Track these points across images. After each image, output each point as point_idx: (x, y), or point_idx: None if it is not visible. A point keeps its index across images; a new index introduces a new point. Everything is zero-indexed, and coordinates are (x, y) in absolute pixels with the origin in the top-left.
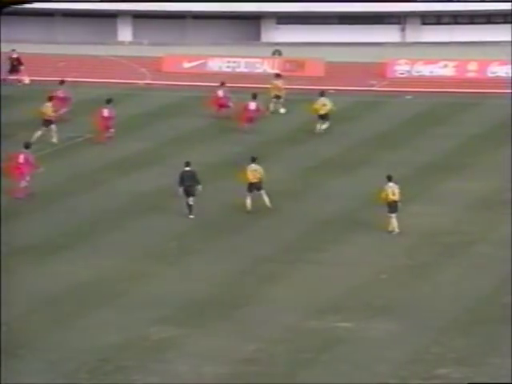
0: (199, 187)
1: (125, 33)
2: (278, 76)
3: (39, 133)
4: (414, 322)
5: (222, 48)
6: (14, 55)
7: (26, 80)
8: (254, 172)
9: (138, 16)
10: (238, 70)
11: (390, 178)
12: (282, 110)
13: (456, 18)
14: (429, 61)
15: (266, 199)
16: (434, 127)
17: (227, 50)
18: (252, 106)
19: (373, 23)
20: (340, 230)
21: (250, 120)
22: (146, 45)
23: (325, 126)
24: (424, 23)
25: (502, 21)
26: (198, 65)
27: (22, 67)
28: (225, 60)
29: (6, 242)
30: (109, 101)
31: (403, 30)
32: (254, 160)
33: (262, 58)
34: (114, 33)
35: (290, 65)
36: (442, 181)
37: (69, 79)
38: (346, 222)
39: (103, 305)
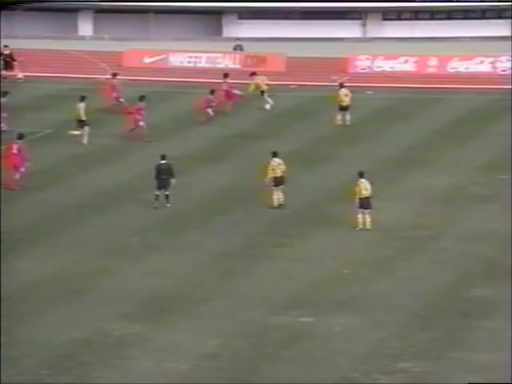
0: (173, 180)
1: (86, 27)
2: (254, 74)
3: (77, 132)
4: (375, 317)
5: (184, 43)
6: (7, 51)
7: (20, 75)
8: (278, 166)
9: (99, 11)
10: (199, 65)
11: (361, 174)
12: (268, 106)
13: (417, 14)
14: (389, 56)
15: (282, 196)
16: (395, 122)
17: (189, 45)
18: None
19: (334, 19)
20: (303, 224)
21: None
22: (107, 40)
23: (348, 117)
24: (385, 19)
25: (462, 17)
26: (159, 60)
27: (15, 63)
28: (186, 55)
29: None
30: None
31: (364, 25)
32: (275, 155)
33: (224, 53)
34: (75, 27)
35: (252, 60)
36: (404, 176)
37: (28, 74)
38: (309, 216)
39: (64, 301)
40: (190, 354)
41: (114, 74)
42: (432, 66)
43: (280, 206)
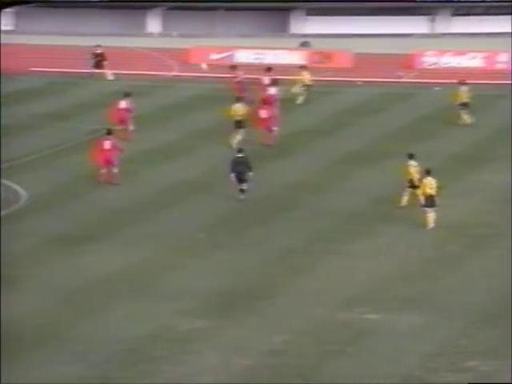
0: (250, 174)
1: (154, 24)
2: (303, 67)
3: (239, 137)
4: (441, 314)
5: (250, 40)
6: (98, 51)
7: (110, 75)
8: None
9: (168, 8)
10: (265, 61)
11: (428, 172)
12: (300, 100)
13: (487, 9)
14: (457, 52)
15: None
16: (461, 119)
17: (255, 42)
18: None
19: (402, 14)
20: (367, 222)
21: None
22: (175, 36)
23: (467, 115)
24: (454, 14)
25: None
26: (225, 56)
27: (105, 62)
28: (252, 52)
29: (37, 232)
30: (127, 94)
31: (433, 21)
32: (411, 157)
33: (290, 49)
34: (144, 24)
35: (318, 56)
36: (471, 173)
37: (96, 71)
38: (373, 214)
39: (132, 296)
40: (254, 350)
41: (269, 69)
42: (501, 61)
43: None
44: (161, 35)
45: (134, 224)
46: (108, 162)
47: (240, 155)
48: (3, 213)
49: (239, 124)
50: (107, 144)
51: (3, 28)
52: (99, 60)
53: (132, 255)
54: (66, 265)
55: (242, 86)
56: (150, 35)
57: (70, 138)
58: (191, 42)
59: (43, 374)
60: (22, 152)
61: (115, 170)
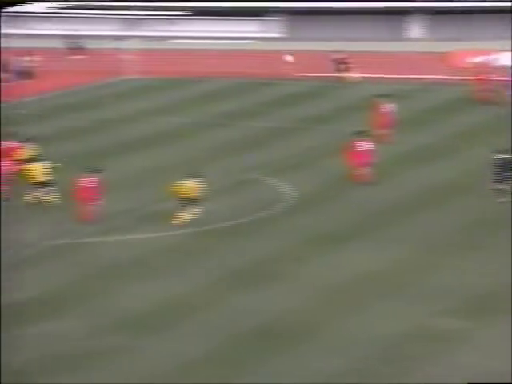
0: None
1: (415, 29)
2: None
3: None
4: None
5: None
6: (339, 56)
7: (354, 78)
8: None
9: (428, 13)
10: None
11: None
12: None
13: None
14: None
15: None
16: None
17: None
18: None
19: None
20: None
21: None
22: (435, 40)
23: None
24: None
25: None
26: (484, 59)
27: (347, 66)
28: None
29: (299, 230)
30: (388, 97)
31: None
32: None
33: None
34: (404, 29)
35: None
36: None
37: (357, 75)
38: None
39: (390, 294)
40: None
41: None
42: None
43: None
44: (421, 39)
45: (391, 224)
46: (364, 163)
47: (504, 156)
48: (272, 211)
49: None
50: (363, 145)
51: (273, 35)
52: (342, 64)
53: (389, 255)
54: (327, 262)
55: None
56: (411, 39)
57: (330, 140)
58: (451, 45)
59: (304, 367)
60: (287, 153)
61: (369, 171)
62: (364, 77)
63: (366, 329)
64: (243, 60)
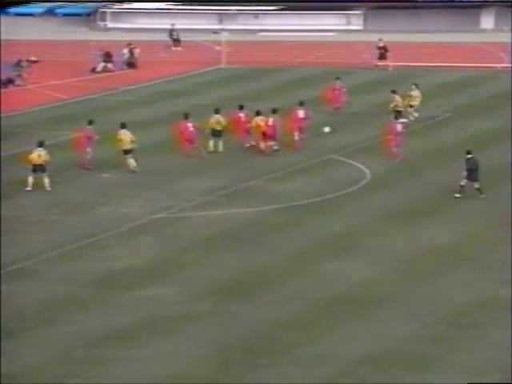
0: None
1: (487, 21)
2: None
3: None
4: None
5: None
6: (381, 44)
7: (390, 66)
8: None
9: (501, 6)
10: None
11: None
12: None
13: None
14: None
15: None
16: None
17: None
18: None
19: None
20: None
21: None
22: (507, 31)
23: None
24: None
25: None
26: None
27: (388, 54)
28: None
29: (378, 207)
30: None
31: None
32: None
33: None
34: (477, 21)
35: None
36: None
37: (431, 64)
38: None
39: (460, 266)
40: None
41: None
42: None
43: None
44: (493, 30)
45: (463, 202)
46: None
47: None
48: (351, 189)
49: None
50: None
51: (353, 28)
52: (383, 52)
53: (462, 229)
54: (402, 236)
55: None
56: (484, 31)
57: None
58: None
59: (379, 332)
60: (365, 137)
61: None
62: (398, 66)
63: (440, 296)
64: (326, 51)
